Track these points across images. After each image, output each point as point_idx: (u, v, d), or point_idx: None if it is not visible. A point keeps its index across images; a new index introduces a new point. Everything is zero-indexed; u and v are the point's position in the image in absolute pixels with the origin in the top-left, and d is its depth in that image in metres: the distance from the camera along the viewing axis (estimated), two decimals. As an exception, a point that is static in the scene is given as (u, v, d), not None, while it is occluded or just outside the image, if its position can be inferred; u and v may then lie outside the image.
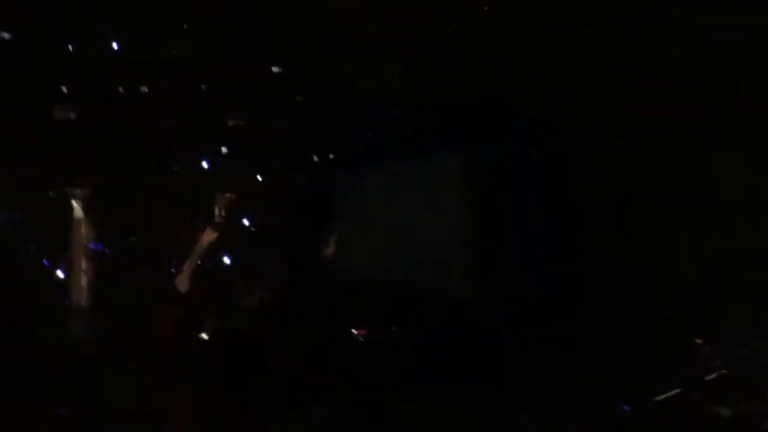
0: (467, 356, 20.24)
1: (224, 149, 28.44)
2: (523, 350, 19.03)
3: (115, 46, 21.93)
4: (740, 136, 17.28)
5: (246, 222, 28.92)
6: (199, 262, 26.84)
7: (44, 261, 23.76)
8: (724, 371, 11.18)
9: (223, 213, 29.16)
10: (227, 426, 21.75)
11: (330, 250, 26.95)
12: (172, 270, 26.27)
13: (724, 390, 10.92)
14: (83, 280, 23.93)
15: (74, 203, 28.62)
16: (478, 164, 23.08)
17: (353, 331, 23.17)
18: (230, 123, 27.94)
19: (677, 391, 11.20)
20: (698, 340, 13.38)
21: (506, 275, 21.51)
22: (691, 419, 9.26)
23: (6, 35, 17.67)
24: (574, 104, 20.53)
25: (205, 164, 27.79)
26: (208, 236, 27.91)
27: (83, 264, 24.34)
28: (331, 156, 27.51)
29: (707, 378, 11.49)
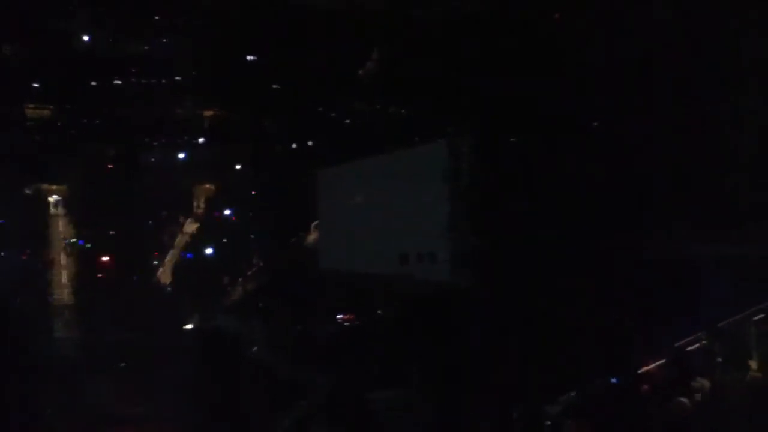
0: (454, 342, 20.01)
1: (201, 140, 28.15)
2: (511, 334, 18.88)
3: (86, 38, 21.69)
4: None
5: (227, 213, 28.66)
6: (181, 255, 26.54)
7: (22, 257, 23.50)
8: (704, 342, 11.47)
9: (203, 204, 28.93)
10: (211, 422, 21.24)
11: (314, 240, 26.66)
12: (154, 263, 25.97)
13: (704, 361, 11.21)
14: (63, 276, 23.70)
15: (51, 200, 28.30)
16: (461, 156, 22.66)
17: (338, 317, 22.87)
18: (207, 114, 27.73)
19: (660, 362, 11.49)
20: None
21: (490, 266, 21.20)
22: (672, 390, 9.52)
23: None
24: (557, 94, 20.13)
25: (182, 156, 27.51)
26: (189, 228, 27.74)
27: (63, 260, 24.12)
28: (310, 143, 27.22)
29: (688, 349, 11.80)
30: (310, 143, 40.68)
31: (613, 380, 10.73)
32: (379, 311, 22.43)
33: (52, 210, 39.53)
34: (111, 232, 38.65)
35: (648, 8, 19.82)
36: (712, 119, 18.27)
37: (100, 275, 36.41)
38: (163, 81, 41.58)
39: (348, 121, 31.99)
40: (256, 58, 39.00)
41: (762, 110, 17.32)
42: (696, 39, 18.23)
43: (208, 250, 39.16)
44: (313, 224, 36.89)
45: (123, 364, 28.81)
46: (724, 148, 17.78)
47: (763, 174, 16.71)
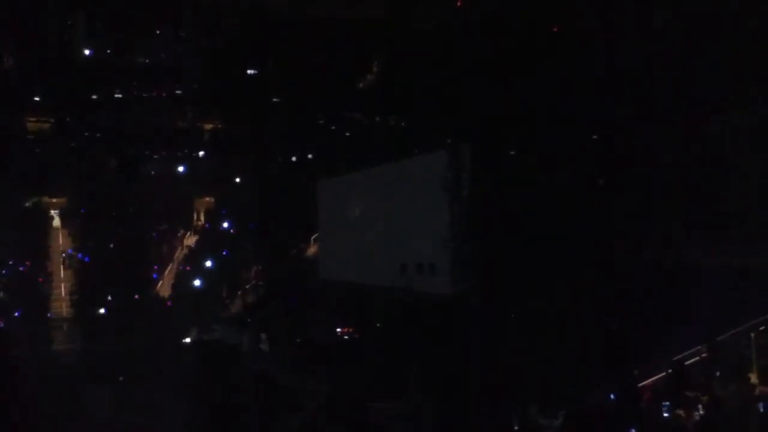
0: (453, 352, 19.90)
1: (202, 152, 28.29)
2: (511, 346, 18.82)
3: (86, 51, 21.93)
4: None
5: (226, 225, 28.69)
6: (181, 267, 26.51)
7: (20, 269, 23.49)
8: (704, 355, 11.43)
9: (203, 217, 29.00)
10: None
11: (313, 253, 26.64)
12: (154, 276, 25.91)
13: (703, 374, 11.16)
14: (63, 289, 23.65)
15: (52, 213, 28.34)
16: (460, 166, 22.62)
17: (338, 330, 22.76)
18: (207, 126, 27.88)
19: (659, 375, 11.45)
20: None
21: (490, 276, 21.10)
22: (671, 402, 9.48)
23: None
24: (554, 103, 20.15)
25: (182, 168, 27.61)
26: (189, 241, 27.74)
27: (62, 273, 24.08)
28: (310, 156, 27.31)
29: (687, 363, 11.76)
30: (310, 155, 40.70)
31: (612, 392, 10.70)
32: (378, 321, 22.38)
33: (52, 223, 39.50)
34: (111, 245, 38.58)
35: (647, 16, 19.88)
36: (712, 128, 18.27)
37: (98, 287, 36.24)
38: (164, 94, 41.70)
39: (347, 132, 32.06)
40: (256, 70, 39.13)
41: (762, 117, 17.32)
42: (693, 47, 18.27)
43: (208, 263, 39.05)
44: (313, 237, 36.86)
45: (121, 378, 28.73)
46: (726, 157, 17.74)
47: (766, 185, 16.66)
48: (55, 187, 40.88)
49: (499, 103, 21.70)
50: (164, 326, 34.93)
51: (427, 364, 19.41)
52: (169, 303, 37.90)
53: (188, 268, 40.53)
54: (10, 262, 36.63)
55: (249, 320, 32.37)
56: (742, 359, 11.27)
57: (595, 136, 21.58)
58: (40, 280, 37.37)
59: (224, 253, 40.92)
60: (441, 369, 19.11)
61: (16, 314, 33.88)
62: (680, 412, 9.74)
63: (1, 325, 34.06)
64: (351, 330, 24.51)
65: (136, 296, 37.24)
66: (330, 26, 35.51)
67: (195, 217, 44.21)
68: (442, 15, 28.66)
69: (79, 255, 39.27)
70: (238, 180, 43.80)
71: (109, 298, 36.55)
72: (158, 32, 38.40)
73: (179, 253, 42.08)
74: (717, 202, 17.26)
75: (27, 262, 37.78)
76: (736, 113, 17.91)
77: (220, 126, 43.23)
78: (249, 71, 38.66)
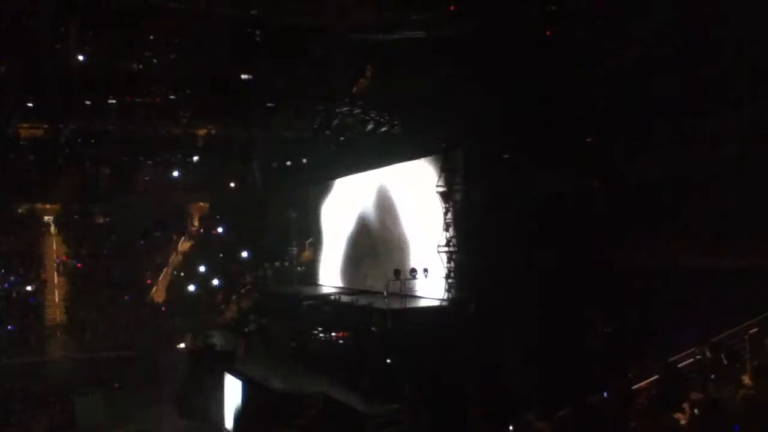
0: (448, 358, 19.80)
1: (195, 158, 28.22)
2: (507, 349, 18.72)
3: (80, 57, 21.84)
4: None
5: (220, 230, 28.71)
6: (175, 273, 26.39)
7: (15, 278, 23.39)
8: (698, 357, 11.43)
9: (197, 223, 28.98)
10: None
11: (308, 258, 26.68)
12: (148, 282, 25.80)
13: (698, 376, 11.16)
14: (56, 295, 23.56)
15: (46, 219, 28.23)
16: (454, 171, 22.54)
17: (332, 334, 22.67)
18: (201, 132, 27.88)
19: (654, 377, 11.45)
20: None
21: (483, 281, 20.97)
22: (666, 405, 9.47)
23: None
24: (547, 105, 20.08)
25: (176, 174, 27.59)
26: (183, 247, 27.69)
27: (56, 279, 23.97)
28: (304, 161, 27.33)
29: (680, 365, 11.76)
30: (304, 160, 40.69)
31: (607, 395, 10.68)
32: (372, 327, 22.38)
33: (47, 230, 39.35)
34: (105, 251, 38.47)
35: (645, 16, 19.97)
36: (705, 131, 18.34)
37: (93, 294, 36.10)
38: (157, 100, 41.67)
39: (342, 137, 32.08)
40: (249, 76, 39.09)
41: (756, 122, 17.39)
42: (685, 53, 18.37)
43: (202, 268, 38.95)
44: (308, 241, 36.83)
45: (116, 385, 28.66)
46: (718, 159, 17.82)
47: (758, 186, 16.73)
48: (48, 193, 40.73)
49: (492, 107, 21.77)
50: (159, 332, 34.81)
51: (422, 370, 19.42)
52: (163, 309, 37.86)
53: (182, 274, 40.41)
54: (3, 270, 36.47)
55: (244, 326, 32.32)
56: (737, 360, 11.28)
57: (589, 140, 21.66)
58: (34, 287, 37.21)
59: (218, 258, 40.81)
60: (436, 374, 19.13)
61: (10, 327, 33.70)
62: (676, 414, 9.72)
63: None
64: (346, 335, 24.48)
65: (130, 302, 37.17)
66: (323, 31, 35.54)
67: (189, 222, 44.15)
68: (434, 20, 28.74)
69: (74, 261, 39.12)
70: (232, 185, 43.76)
71: (103, 304, 36.46)
72: (151, 38, 38.39)
73: (174, 259, 41.99)
74: (709, 203, 17.33)
75: (21, 270, 37.62)
76: (736, 113, 18.01)
77: (213, 131, 43.21)
78: (243, 76, 38.62)
